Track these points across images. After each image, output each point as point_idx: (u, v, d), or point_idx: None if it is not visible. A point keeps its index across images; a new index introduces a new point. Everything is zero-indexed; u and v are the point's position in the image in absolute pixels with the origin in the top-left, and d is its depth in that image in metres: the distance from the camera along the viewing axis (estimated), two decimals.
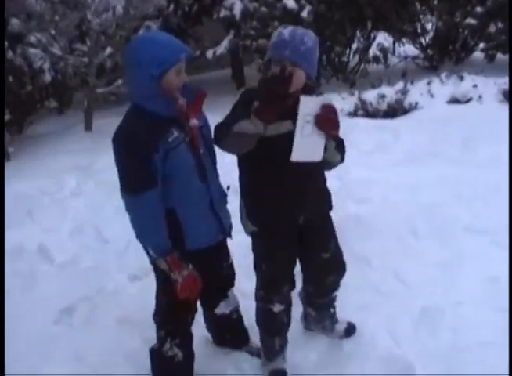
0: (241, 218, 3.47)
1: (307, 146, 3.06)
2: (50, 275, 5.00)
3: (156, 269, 3.33)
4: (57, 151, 8.58)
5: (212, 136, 3.21)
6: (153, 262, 3.28)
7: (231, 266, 3.68)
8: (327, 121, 3.08)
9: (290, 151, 3.08)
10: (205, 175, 3.21)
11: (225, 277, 3.66)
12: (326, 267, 3.60)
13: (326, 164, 3.34)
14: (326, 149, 3.18)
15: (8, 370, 3.74)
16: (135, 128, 3.01)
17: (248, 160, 3.19)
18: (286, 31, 3.12)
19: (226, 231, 3.43)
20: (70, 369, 3.81)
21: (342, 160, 3.45)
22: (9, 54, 9.44)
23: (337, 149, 3.31)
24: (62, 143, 9.19)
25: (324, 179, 3.50)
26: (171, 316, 3.39)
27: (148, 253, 3.23)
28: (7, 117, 9.25)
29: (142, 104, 3.03)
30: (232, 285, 3.73)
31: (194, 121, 3.15)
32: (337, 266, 3.67)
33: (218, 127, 3.12)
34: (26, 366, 3.87)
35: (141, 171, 2.96)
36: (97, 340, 4.05)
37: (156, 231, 3.08)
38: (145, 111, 3.01)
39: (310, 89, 3.26)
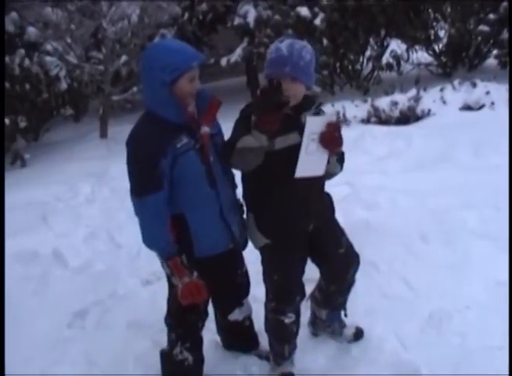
0: (250, 233, 3.48)
1: (311, 163, 3.15)
2: (64, 279, 5.07)
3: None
4: (72, 158, 8.67)
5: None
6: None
7: (246, 274, 3.69)
8: (332, 139, 3.16)
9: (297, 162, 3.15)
10: (215, 182, 3.21)
11: (240, 285, 3.67)
12: (346, 261, 3.63)
13: (328, 174, 3.38)
14: (328, 162, 3.26)
15: (20, 371, 3.82)
16: (145, 132, 3.10)
17: (257, 174, 3.19)
18: (284, 47, 3.14)
19: (237, 240, 3.42)
20: (81, 371, 3.89)
21: (341, 169, 3.50)
22: (26, 62, 9.59)
23: (338, 161, 3.40)
24: (77, 150, 9.28)
25: (324, 184, 3.54)
26: (181, 319, 3.43)
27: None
28: (23, 123, 9.37)
29: (154, 110, 3.09)
30: (247, 293, 3.75)
31: (206, 129, 3.17)
32: (354, 258, 3.70)
33: (224, 147, 3.19)
34: (38, 368, 3.95)
35: (147, 175, 3.03)
36: (108, 343, 4.11)
37: (160, 234, 3.11)
38: (156, 117, 3.07)
39: (310, 99, 3.31)
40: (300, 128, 3.17)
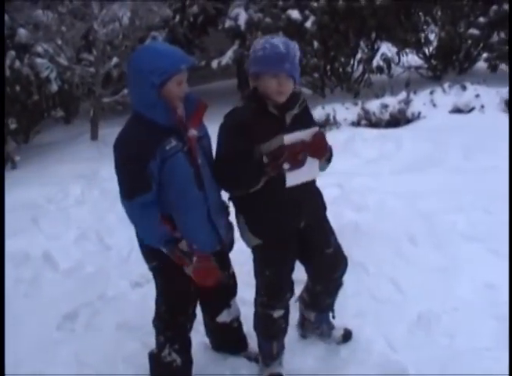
0: (242, 233, 3.50)
1: (301, 172, 3.19)
2: (54, 281, 5.07)
3: (156, 275, 3.42)
4: (63, 160, 8.65)
5: (211, 148, 3.35)
6: (152, 268, 3.39)
7: (233, 276, 3.73)
8: (319, 149, 3.22)
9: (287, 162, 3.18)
10: (203, 185, 3.23)
11: (227, 286, 3.69)
12: (333, 261, 3.65)
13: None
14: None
15: (11, 372, 3.81)
16: (133, 135, 3.10)
17: None
18: (280, 43, 3.15)
19: (224, 242, 3.47)
20: (71, 372, 3.91)
21: (329, 163, 3.52)
22: (17, 64, 9.54)
23: (327, 160, 3.43)
24: (68, 152, 9.26)
25: (315, 182, 3.55)
26: (169, 322, 3.45)
27: (147, 260, 3.37)
28: (13, 125, 9.34)
29: (142, 112, 3.09)
30: (234, 294, 3.78)
31: (193, 132, 3.19)
32: (342, 260, 3.72)
33: (220, 166, 3.26)
34: (28, 369, 3.96)
35: (136, 177, 3.04)
36: (98, 344, 4.12)
37: (156, 229, 3.13)
38: (144, 119, 3.07)
39: (294, 97, 3.31)
40: (286, 130, 3.19)
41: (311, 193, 3.48)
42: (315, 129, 3.22)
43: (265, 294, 3.57)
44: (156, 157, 3.04)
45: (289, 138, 3.10)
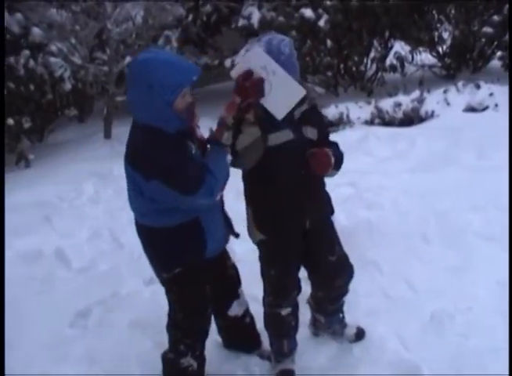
0: (248, 227, 3.51)
1: (282, 95, 3.08)
2: (67, 279, 5.09)
3: (169, 285, 3.39)
4: (77, 158, 8.68)
5: None
6: (163, 281, 3.39)
7: (234, 265, 3.75)
8: (323, 166, 3.27)
9: (292, 158, 3.20)
10: None
11: (231, 276, 3.72)
12: (334, 270, 3.63)
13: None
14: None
15: (23, 370, 3.84)
16: (158, 143, 2.94)
17: (254, 170, 3.25)
18: (263, 44, 3.14)
19: (234, 232, 3.52)
20: (83, 369, 3.92)
21: (339, 169, 3.50)
22: (31, 63, 9.58)
23: (335, 167, 3.40)
24: (81, 151, 9.29)
25: (323, 183, 3.54)
26: (190, 329, 3.45)
27: (166, 270, 3.31)
28: (28, 124, 9.38)
29: (157, 125, 2.95)
30: (239, 283, 3.78)
31: (200, 132, 3.23)
32: (345, 269, 3.71)
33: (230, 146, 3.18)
34: (41, 367, 3.97)
35: (187, 166, 2.95)
36: (110, 342, 4.12)
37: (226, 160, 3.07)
38: (157, 129, 2.95)
39: None
40: (293, 125, 3.19)
41: (316, 191, 3.46)
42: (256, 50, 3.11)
43: (271, 294, 3.58)
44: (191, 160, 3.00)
45: (234, 72, 3.09)
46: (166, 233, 3.18)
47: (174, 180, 2.91)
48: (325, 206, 3.57)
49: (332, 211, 3.63)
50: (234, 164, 3.19)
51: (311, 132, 3.33)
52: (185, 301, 3.37)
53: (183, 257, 3.21)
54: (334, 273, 3.65)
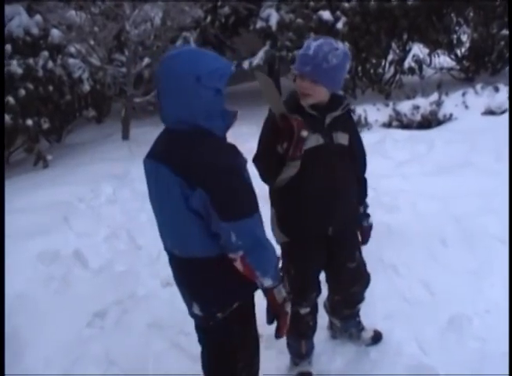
0: (272, 228, 3.50)
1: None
2: (84, 279, 5.09)
3: (225, 327, 2.86)
4: (94, 159, 8.71)
5: None
6: (215, 323, 2.84)
7: None
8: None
9: (321, 163, 3.20)
10: None
11: None
12: (352, 277, 3.64)
13: None
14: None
15: (42, 369, 3.85)
16: (215, 150, 2.60)
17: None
18: (313, 46, 3.13)
19: None
20: (101, 370, 3.91)
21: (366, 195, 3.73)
22: (50, 64, 9.64)
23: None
24: (99, 152, 9.32)
25: (355, 194, 3.53)
26: None
27: (209, 314, 2.81)
28: (46, 125, 9.44)
29: (203, 125, 2.60)
30: None
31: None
32: (362, 277, 3.72)
33: (256, 162, 3.19)
34: (58, 367, 3.97)
35: (247, 189, 2.64)
36: (127, 342, 4.13)
37: (275, 250, 2.71)
38: (210, 132, 2.62)
39: (337, 100, 3.31)
40: (324, 130, 3.19)
41: (344, 201, 3.41)
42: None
43: (290, 292, 3.56)
44: (244, 168, 2.67)
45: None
46: (223, 262, 2.67)
47: (233, 194, 2.58)
48: (352, 216, 3.56)
49: (356, 220, 3.66)
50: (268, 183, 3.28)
51: (342, 138, 3.32)
52: (246, 344, 2.93)
53: (243, 288, 2.79)
54: (351, 280, 3.66)
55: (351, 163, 3.42)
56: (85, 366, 3.96)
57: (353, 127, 3.53)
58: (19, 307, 4.55)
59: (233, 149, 2.66)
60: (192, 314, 2.90)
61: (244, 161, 2.67)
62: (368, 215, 3.69)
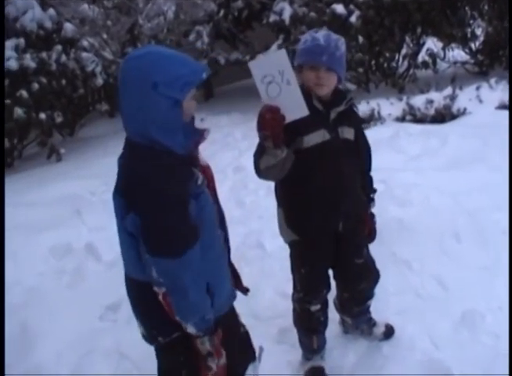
0: (280, 227, 3.49)
1: (284, 106, 2.85)
2: (97, 272, 5.12)
3: (163, 353, 2.72)
4: (107, 153, 8.73)
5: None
6: (157, 347, 2.72)
7: (243, 324, 2.99)
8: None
9: (328, 159, 3.17)
10: (223, 221, 2.75)
11: (243, 335, 2.98)
12: (359, 273, 3.62)
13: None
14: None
15: (54, 361, 3.87)
16: (159, 174, 2.33)
17: (288, 172, 3.16)
18: (321, 36, 3.15)
19: (242, 286, 2.96)
20: (112, 363, 3.94)
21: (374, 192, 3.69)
22: (63, 58, 9.68)
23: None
24: (112, 145, 9.32)
25: (360, 185, 3.52)
26: None
27: (152, 338, 2.65)
28: (59, 119, 9.48)
29: (158, 140, 2.34)
30: (253, 350, 3.02)
31: (203, 158, 2.61)
32: (371, 273, 3.70)
33: (254, 159, 3.11)
34: (70, 359, 4.00)
35: (182, 224, 2.35)
36: (139, 336, 4.12)
37: (204, 299, 2.47)
38: (160, 148, 2.35)
39: (341, 94, 3.31)
40: (329, 125, 3.18)
41: (352, 194, 3.40)
42: (279, 53, 2.89)
43: (301, 290, 3.57)
44: (192, 196, 2.40)
45: (252, 63, 2.86)
46: None
47: (160, 228, 2.33)
48: (359, 211, 3.54)
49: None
50: (263, 178, 3.12)
51: (347, 132, 3.31)
52: (182, 372, 2.64)
53: None
54: (359, 277, 3.64)
55: (357, 158, 3.42)
56: (97, 360, 3.98)
57: (358, 121, 3.53)
58: (31, 300, 4.58)
59: (186, 174, 2.40)
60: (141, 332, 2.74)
61: (197, 190, 2.44)
62: (371, 205, 3.65)
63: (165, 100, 2.29)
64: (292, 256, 3.53)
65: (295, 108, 2.86)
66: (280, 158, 2.93)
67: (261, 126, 2.85)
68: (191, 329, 2.44)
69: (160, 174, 2.31)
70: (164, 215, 2.30)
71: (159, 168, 2.33)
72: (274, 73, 2.81)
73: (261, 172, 3.04)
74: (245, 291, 2.96)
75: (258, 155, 3.01)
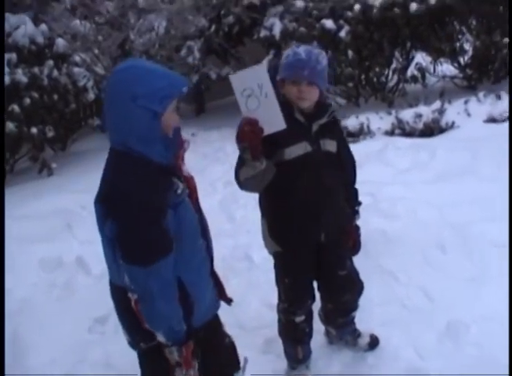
0: (264, 238, 3.53)
1: (263, 119, 2.90)
2: (86, 286, 5.15)
3: (145, 358, 2.79)
4: (98, 167, 8.53)
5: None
6: (139, 353, 2.80)
7: (228, 335, 3.04)
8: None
9: (309, 171, 3.22)
10: (205, 231, 2.78)
11: (227, 347, 3.01)
12: (343, 285, 3.66)
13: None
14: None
15: (45, 371, 3.90)
16: (137, 182, 2.40)
17: (269, 183, 3.20)
18: (302, 51, 3.21)
19: (226, 297, 2.98)
20: (100, 372, 3.98)
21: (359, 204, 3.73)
22: (55, 73, 9.71)
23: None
24: (103, 160, 9.14)
25: (343, 197, 3.55)
26: None
27: (135, 343, 2.73)
28: (51, 133, 9.50)
29: (136, 150, 2.43)
30: (238, 361, 3.05)
31: (187, 169, 2.68)
32: (354, 285, 3.73)
33: (235, 171, 3.16)
34: (62, 368, 4.06)
35: (155, 233, 2.39)
36: (127, 348, 4.14)
37: (174, 310, 2.50)
38: (139, 157, 2.43)
39: (323, 108, 3.36)
40: (311, 138, 3.23)
41: (333, 207, 3.43)
42: (259, 68, 2.94)
43: (285, 300, 3.61)
44: (171, 205, 2.45)
45: (233, 77, 2.91)
46: None
47: (134, 237, 2.39)
48: (342, 221, 3.57)
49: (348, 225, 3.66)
50: (244, 189, 3.18)
51: (329, 145, 3.36)
52: None
53: None
54: (342, 288, 3.67)
55: (339, 171, 3.46)
56: (85, 371, 4.02)
57: (340, 134, 3.58)
58: (22, 311, 4.62)
59: (164, 184, 2.46)
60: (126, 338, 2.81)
61: (176, 200, 2.49)
62: (356, 217, 3.69)
63: (144, 112, 2.37)
64: (276, 267, 3.57)
65: (273, 121, 2.92)
66: (259, 170, 2.97)
67: (240, 138, 2.92)
68: (160, 337, 2.50)
69: (138, 183, 2.39)
70: (139, 223, 2.36)
71: (137, 177, 2.40)
72: (253, 86, 2.87)
73: (241, 183, 3.09)
74: (229, 301, 2.97)
75: (238, 167, 3.06)
